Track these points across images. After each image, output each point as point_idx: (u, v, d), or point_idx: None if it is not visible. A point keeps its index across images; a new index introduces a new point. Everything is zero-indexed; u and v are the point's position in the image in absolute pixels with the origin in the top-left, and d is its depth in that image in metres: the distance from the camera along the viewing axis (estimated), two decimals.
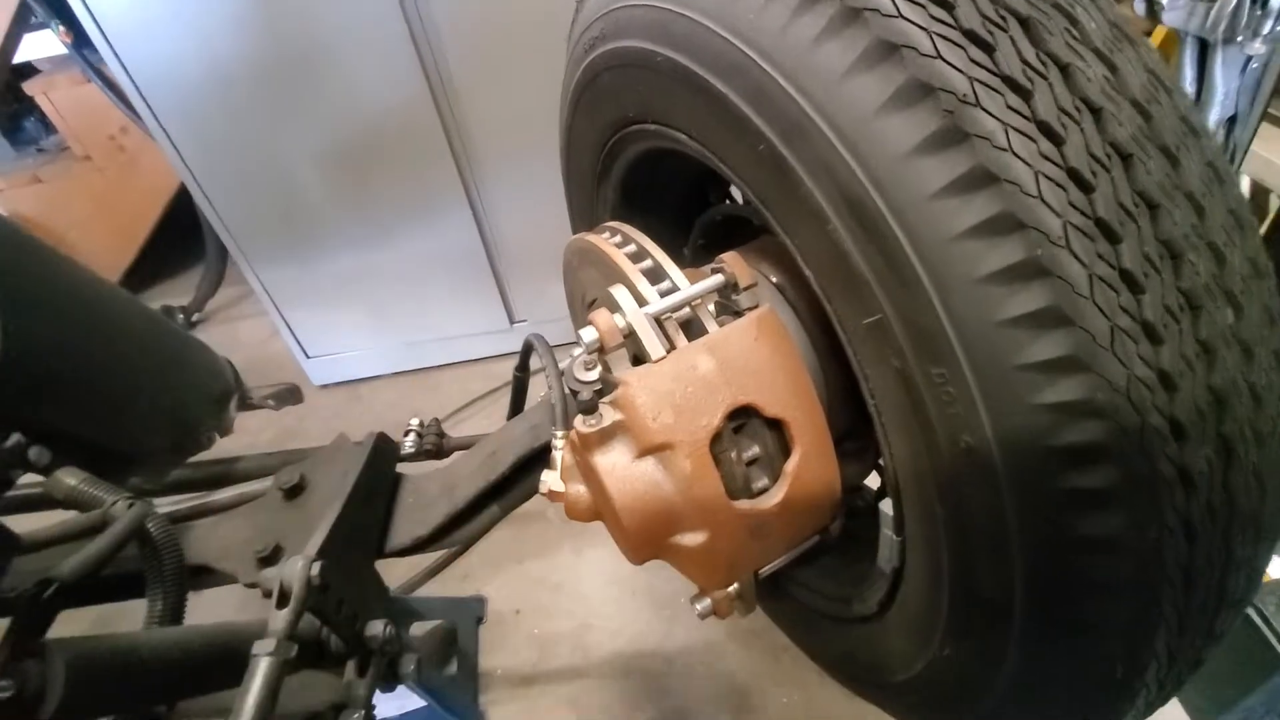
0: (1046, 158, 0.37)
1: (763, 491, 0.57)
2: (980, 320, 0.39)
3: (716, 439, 0.54)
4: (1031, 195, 0.37)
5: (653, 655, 1.28)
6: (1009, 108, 0.37)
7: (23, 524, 0.67)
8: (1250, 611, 0.97)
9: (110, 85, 1.95)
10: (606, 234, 0.70)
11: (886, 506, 0.57)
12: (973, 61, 0.38)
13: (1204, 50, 1.01)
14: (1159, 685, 0.45)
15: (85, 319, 0.79)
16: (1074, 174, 0.37)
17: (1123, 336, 0.36)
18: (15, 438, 0.53)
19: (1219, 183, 0.40)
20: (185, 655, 0.57)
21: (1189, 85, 1.05)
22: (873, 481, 0.79)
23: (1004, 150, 0.37)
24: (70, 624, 0.56)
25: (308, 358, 1.96)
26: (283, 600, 0.62)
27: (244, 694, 0.55)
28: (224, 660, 0.60)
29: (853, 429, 0.73)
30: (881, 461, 0.54)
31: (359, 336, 1.93)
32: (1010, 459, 0.41)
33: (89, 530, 0.63)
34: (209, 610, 0.98)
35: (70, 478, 0.67)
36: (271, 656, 0.57)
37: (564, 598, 1.40)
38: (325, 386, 2.02)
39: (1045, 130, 0.38)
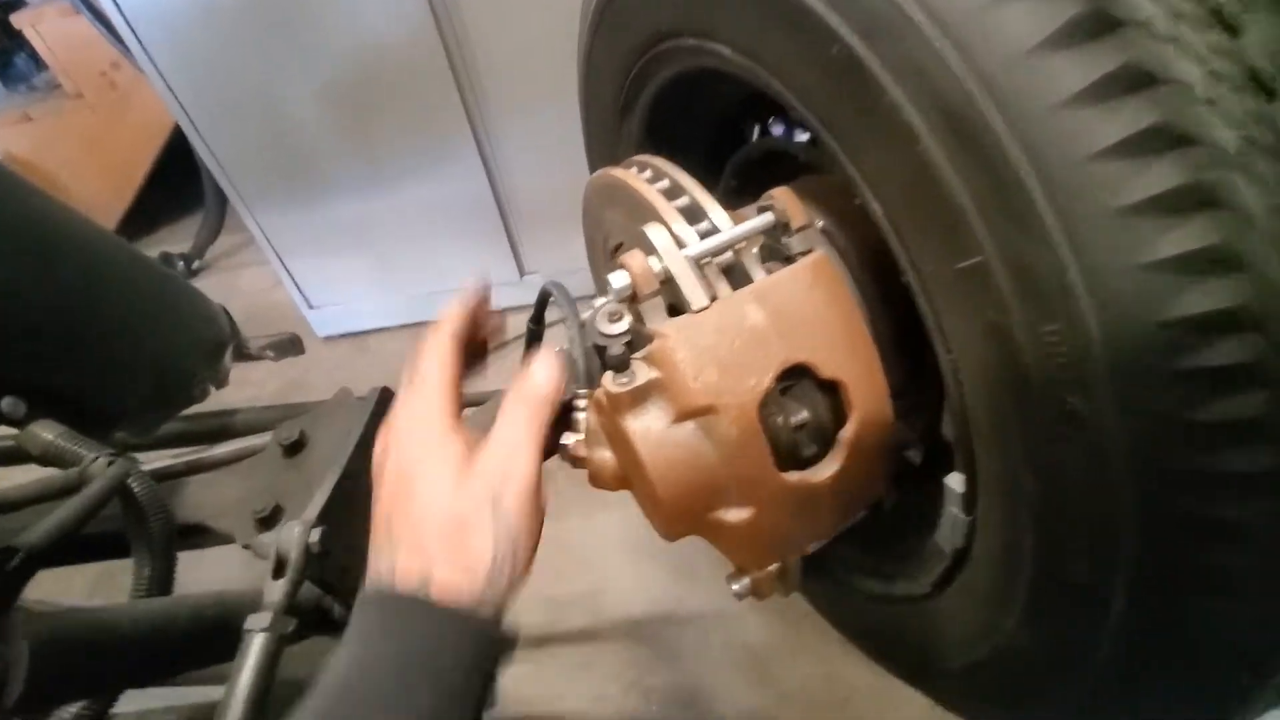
0: (1221, 52, 0.29)
1: (810, 462, 0.50)
2: (1119, 263, 0.31)
3: (764, 402, 0.47)
4: (1200, 100, 0.29)
5: (667, 620, 1.24)
6: None
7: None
8: None
9: (97, 14, 1.84)
10: (635, 169, 0.62)
11: (954, 482, 0.51)
12: None
13: None
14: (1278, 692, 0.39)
15: (65, 259, 0.72)
16: (1256, 74, 0.29)
17: None
18: None
19: None
20: (171, 630, 0.52)
21: None
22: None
23: (1166, 41, 0.29)
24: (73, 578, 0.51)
25: (311, 308, 1.89)
26: (279, 570, 0.57)
27: (236, 673, 0.50)
28: (215, 634, 0.55)
29: (905, 383, 0.66)
30: (957, 435, 0.47)
31: (364, 287, 1.86)
32: (1137, 429, 0.34)
33: (66, 490, 0.58)
34: (213, 569, 0.94)
35: (46, 431, 0.61)
36: (266, 633, 0.52)
37: (576, 561, 1.36)
38: (330, 338, 1.96)
39: (1219, 17, 0.29)
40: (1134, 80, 0.30)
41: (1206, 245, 0.29)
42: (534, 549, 0.44)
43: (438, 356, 0.48)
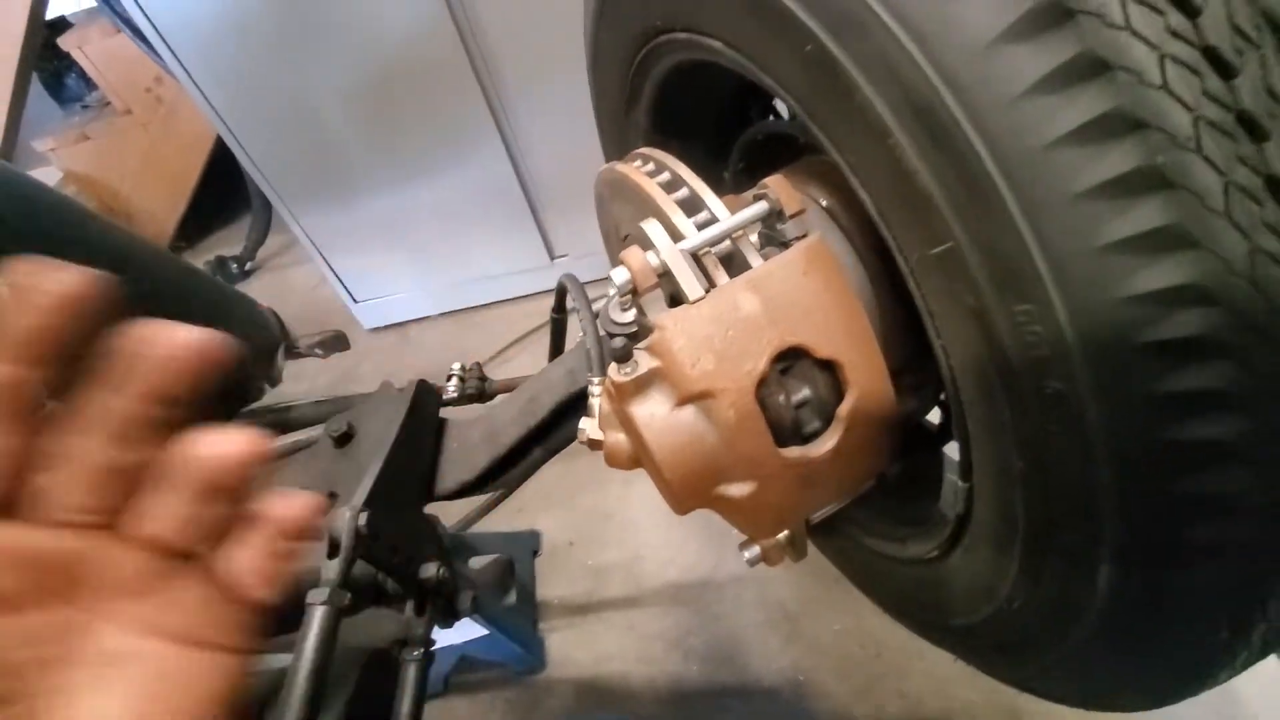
0: (1176, 34, 0.30)
1: (814, 436, 0.53)
2: (1079, 246, 0.33)
3: (762, 383, 0.49)
4: (1154, 85, 0.30)
5: (704, 584, 1.30)
6: None
7: None
8: None
9: (136, 31, 1.93)
10: (638, 162, 0.64)
11: (952, 451, 0.53)
12: None
13: None
14: (1263, 644, 0.41)
15: (135, 279, 0.79)
16: (1212, 54, 0.30)
17: (1266, 260, 0.30)
18: None
19: None
20: None
21: None
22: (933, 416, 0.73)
23: (1119, 28, 0.30)
24: None
25: (355, 302, 1.98)
26: (333, 550, 0.63)
27: (301, 640, 0.57)
28: (284, 605, 0.62)
29: (911, 362, 0.68)
30: (951, 412, 0.49)
31: (403, 279, 1.93)
32: (1111, 410, 0.35)
33: None
34: None
35: None
36: (326, 605, 0.59)
37: (615, 529, 1.42)
38: (375, 330, 2.06)
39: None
40: (1088, 68, 0.30)
41: (1162, 225, 0.30)
42: None
43: None
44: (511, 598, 1.32)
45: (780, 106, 0.80)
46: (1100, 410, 0.35)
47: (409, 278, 1.93)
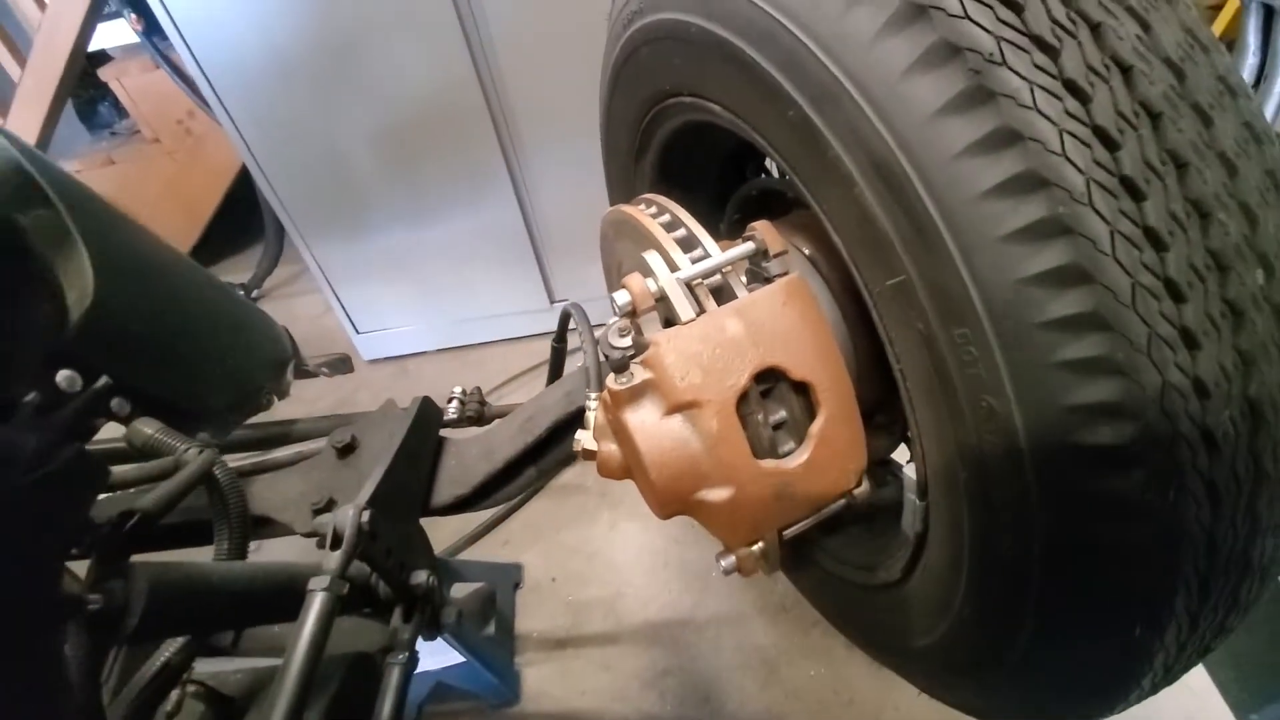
0: (1072, 115, 0.38)
1: (788, 454, 0.58)
2: (1002, 279, 0.40)
3: (743, 400, 0.55)
4: (1055, 153, 0.37)
5: (683, 624, 1.31)
6: (1036, 66, 0.38)
7: None
8: None
9: (178, 72, 2.06)
10: (642, 205, 0.72)
11: (911, 471, 0.58)
12: (1000, 21, 0.39)
13: (1270, 18, 0.96)
14: (1179, 647, 0.46)
15: (163, 284, 0.85)
16: (1100, 132, 0.38)
17: (1145, 294, 0.37)
18: (104, 380, 0.59)
19: (1256, 143, 0.40)
20: (249, 587, 0.62)
21: (1252, 55, 1.00)
22: (901, 458, 0.79)
23: (1029, 109, 0.38)
24: None
25: (358, 333, 2.05)
26: (335, 543, 0.67)
27: (301, 624, 0.60)
28: (283, 594, 0.65)
29: (882, 402, 0.74)
30: (909, 431, 0.55)
31: (406, 313, 2.00)
32: (1030, 419, 0.41)
33: (162, 475, 0.69)
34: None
35: (148, 427, 0.73)
36: (326, 591, 0.62)
37: (598, 567, 1.44)
38: (374, 361, 2.11)
39: (1072, 88, 0.38)
40: (1006, 138, 0.38)
41: (1064, 263, 0.38)
42: None
43: None
44: (491, 628, 1.33)
45: (771, 167, 0.90)
46: (1024, 420, 0.42)
47: (412, 312, 2.00)
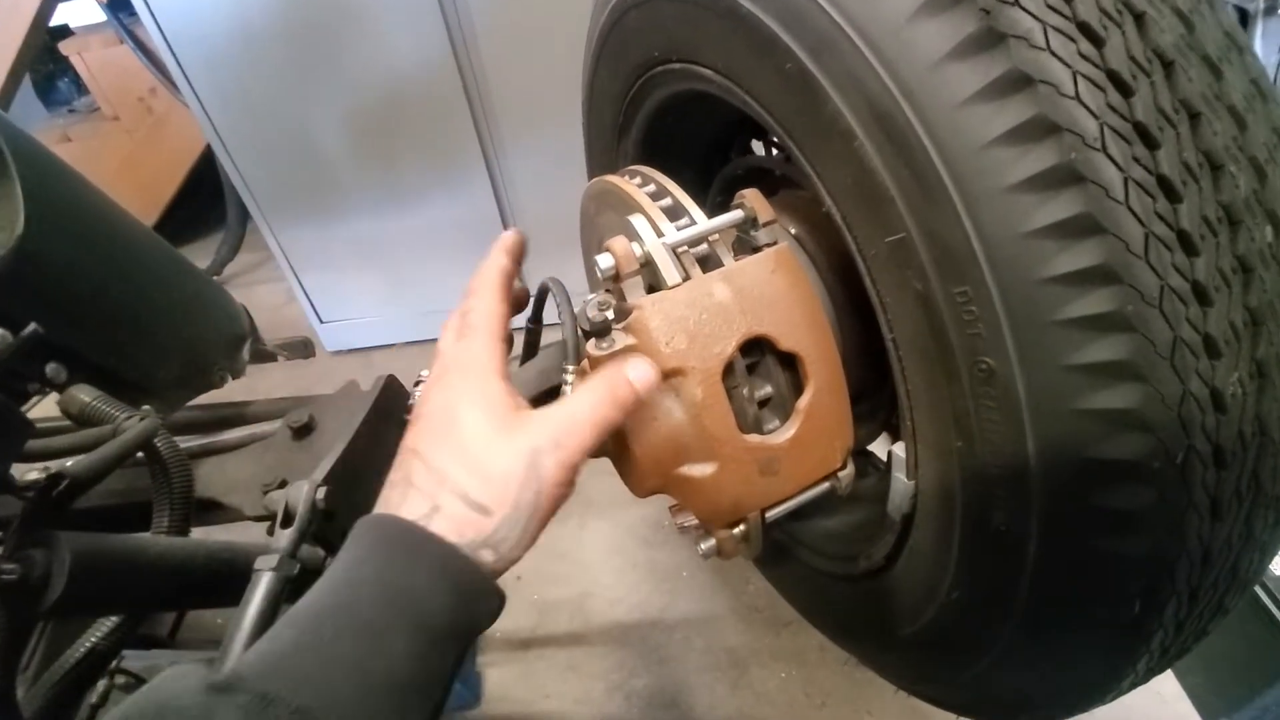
0: (1086, 58, 0.36)
1: (774, 431, 0.56)
2: (1008, 232, 0.38)
3: (729, 371, 0.53)
4: (1068, 96, 0.36)
5: (653, 625, 1.27)
6: (1049, 6, 0.36)
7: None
8: (1268, 602, 0.94)
9: (142, 47, 1.98)
10: (626, 175, 0.70)
11: (899, 450, 0.56)
12: None
13: (1243, 22, 0.99)
14: (1176, 623, 0.44)
15: (109, 244, 0.79)
16: (1114, 76, 0.36)
17: (1158, 245, 0.35)
18: (32, 327, 0.54)
19: (1262, 100, 0.39)
20: (189, 565, 0.57)
21: None
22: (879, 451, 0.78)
23: (1042, 49, 0.36)
24: None
25: (321, 323, 1.97)
26: (287, 520, 0.62)
27: (245, 606, 0.55)
28: (227, 575, 0.60)
29: (865, 389, 0.72)
30: (898, 409, 0.53)
31: (373, 304, 1.94)
32: (1032, 379, 0.40)
33: (100, 443, 0.63)
34: None
35: (84, 394, 0.68)
36: (274, 572, 0.57)
37: (566, 566, 1.40)
38: (338, 353, 2.04)
39: (1085, 30, 0.37)
40: (1016, 82, 0.37)
41: (1074, 214, 0.36)
42: (542, 527, 0.41)
43: (488, 299, 0.48)
44: None
45: (758, 148, 0.88)
46: (1026, 383, 0.40)
47: (379, 302, 1.93)
